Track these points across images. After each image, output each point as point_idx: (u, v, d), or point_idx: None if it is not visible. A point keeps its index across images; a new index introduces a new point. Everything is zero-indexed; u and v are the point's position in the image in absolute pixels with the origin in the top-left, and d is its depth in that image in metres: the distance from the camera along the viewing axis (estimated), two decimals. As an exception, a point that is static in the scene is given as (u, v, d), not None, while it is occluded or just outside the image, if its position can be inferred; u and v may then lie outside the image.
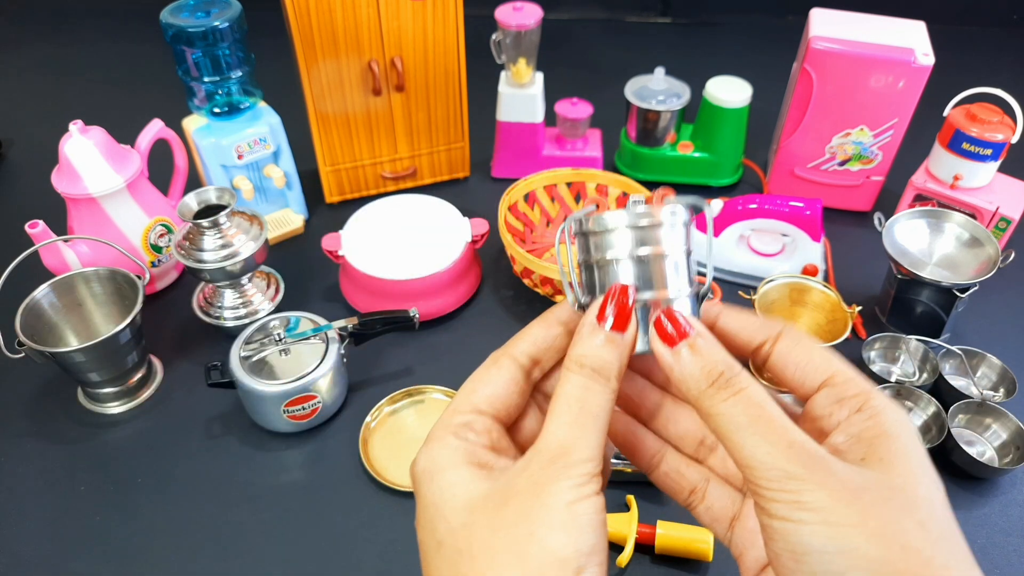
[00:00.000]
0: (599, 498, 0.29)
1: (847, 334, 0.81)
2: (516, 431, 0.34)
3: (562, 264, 0.35)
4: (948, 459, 0.77)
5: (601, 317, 0.32)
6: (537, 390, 0.35)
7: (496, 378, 0.33)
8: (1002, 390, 0.83)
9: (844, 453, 0.29)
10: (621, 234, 0.33)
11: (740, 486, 0.36)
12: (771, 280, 0.87)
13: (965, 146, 0.91)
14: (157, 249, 0.94)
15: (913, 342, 0.86)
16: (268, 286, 0.94)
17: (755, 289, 0.87)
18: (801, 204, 0.93)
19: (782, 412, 0.29)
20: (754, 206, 0.93)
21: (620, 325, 0.31)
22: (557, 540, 0.27)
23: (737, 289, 0.96)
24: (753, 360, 0.33)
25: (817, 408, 0.31)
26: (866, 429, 0.29)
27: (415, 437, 0.81)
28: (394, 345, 0.89)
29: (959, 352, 0.84)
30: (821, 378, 0.31)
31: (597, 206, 0.33)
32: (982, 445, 0.79)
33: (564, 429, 0.30)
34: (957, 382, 0.83)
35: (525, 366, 0.33)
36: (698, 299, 0.34)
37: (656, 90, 1.08)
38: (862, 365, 0.86)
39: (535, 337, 0.34)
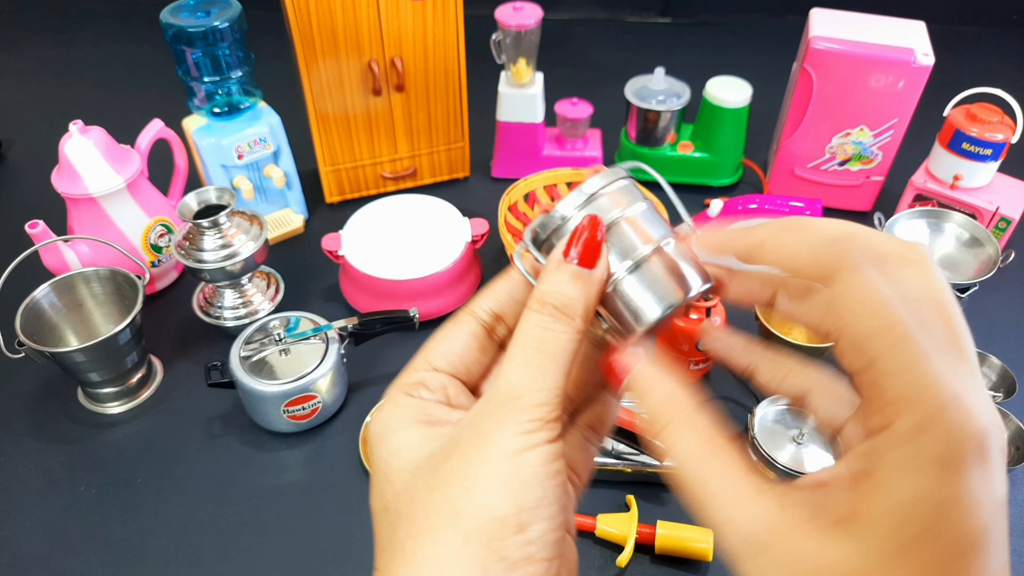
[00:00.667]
0: (551, 447, 0.26)
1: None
2: (483, 391, 0.32)
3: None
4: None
5: (567, 252, 0.29)
6: (504, 348, 0.32)
7: (454, 334, 0.31)
8: (1002, 391, 0.83)
9: (830, 490, 0.24)
10: (575, 221, 0.30)
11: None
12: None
13: (965, 146, 0.91)
14: (157, 249, 0.94)
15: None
16: (268, 286, 0.94)
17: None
18: (801, 204, 0.93)
19: (701, 477, 0.25)
20: (754, 206, 0.93)
21: (587, 260, 0.28)
22: (495, 496, 0.25)
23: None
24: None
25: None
26: (866, 468, 0.23)
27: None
28: (394, 345, 0.89)
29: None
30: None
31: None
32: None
33: (517, 371, 0.27)
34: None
35: (486, 321, 0.31)
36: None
37: (656, 90, 1.08)
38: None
39: (496, 291, 0.32)
